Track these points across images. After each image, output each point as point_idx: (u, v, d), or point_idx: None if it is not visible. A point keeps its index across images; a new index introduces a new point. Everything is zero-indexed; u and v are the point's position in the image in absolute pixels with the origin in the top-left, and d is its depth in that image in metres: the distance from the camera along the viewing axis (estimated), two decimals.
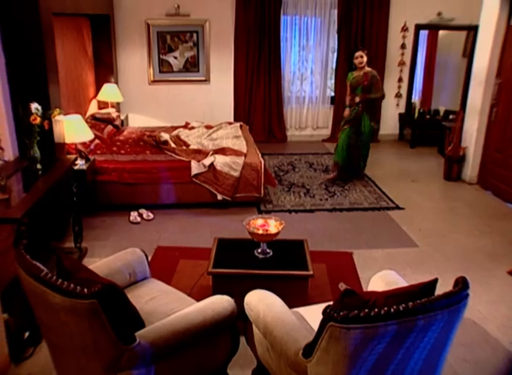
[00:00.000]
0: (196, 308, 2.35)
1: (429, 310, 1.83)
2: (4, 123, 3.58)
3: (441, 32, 8.10)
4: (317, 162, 6.93)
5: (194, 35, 7.53)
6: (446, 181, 6.22)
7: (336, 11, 7.72)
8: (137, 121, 7.58)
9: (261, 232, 3.14)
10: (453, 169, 6.17)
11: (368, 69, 5.84)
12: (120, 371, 2.08)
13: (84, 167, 4.51)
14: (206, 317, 2.29)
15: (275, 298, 2.41)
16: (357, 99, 5.78)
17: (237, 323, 2.50)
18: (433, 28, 7.89)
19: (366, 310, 1.78)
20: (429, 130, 7.97)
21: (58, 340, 2.18)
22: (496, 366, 2.88)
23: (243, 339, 2.66)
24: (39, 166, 3.55)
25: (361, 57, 5.76)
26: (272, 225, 3.23)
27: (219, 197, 5.02)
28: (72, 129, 4.35)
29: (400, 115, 8.25)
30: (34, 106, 3.34)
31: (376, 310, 1.79)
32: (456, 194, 5.81)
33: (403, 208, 5.25)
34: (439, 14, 7.73)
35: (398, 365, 1.92)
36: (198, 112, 7.69)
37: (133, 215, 4.87)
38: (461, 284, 1.95)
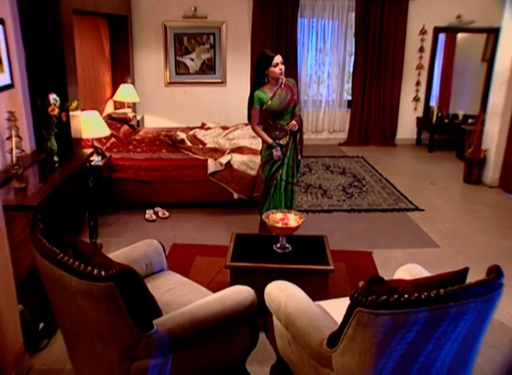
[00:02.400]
0: (215, 298, 2.27)
1: (461, 298, 1.74)
2: (22, 116, 3.56)
3: (459, 36, 7.99)
4: (333, 164, 6.85)
5: (211, 37, 7.53)
6: (466, 184, 6.09)
7: (353, 14, 7.66)
8: (153, 122, 7.57)
9: (280, 225, 3.07)
10: (473, 172, 6.04)
11: (284, 78, 3.94)
12: (136, 360, 2.01)
13: (100, 163, 4.49)
14: (225, 307, 2.22)
15: (296, 289, 2.34)
16: (289, 126, 3.93)
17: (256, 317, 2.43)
18: (452, 31, 7.78)
19: (395, 296, 1.70)
20: (448, 134, 7.85)
21: (73, 326, 2.12)
22: None
23: (262, 335, 2.59)
24: (56, 159, 3.52)
25: (282, 63, 3.78)
26: (292, 219, 3.15)
27: (235, 196, 4.96)
28: (89, 124, 4.33)
29: (418, 119, 8.13)
30: (53, 97, 3.32)
31: (406, 296, 1.70)
32: (476, 196, 5.68)
33: (422, 210, 5.14)
34: (459, 17, 7.63)
35: (428, 356, 1.83)
36: (214, 115, 7.66)
37: (149, 213, 4.83)
38: (495, 272, 1.86)
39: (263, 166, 4.18)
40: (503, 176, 5.87)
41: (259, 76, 3.89)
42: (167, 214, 4.86)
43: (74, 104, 3.55)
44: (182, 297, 2.53)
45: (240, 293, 2.31)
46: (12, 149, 3.00)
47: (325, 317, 2.15)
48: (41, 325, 2.86)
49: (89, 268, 1.87)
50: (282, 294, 2.28)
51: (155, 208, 4.91)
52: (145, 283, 2.07)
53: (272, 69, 3.75)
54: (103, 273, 1.85)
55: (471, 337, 1.89)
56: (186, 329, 2.09)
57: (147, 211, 4.86)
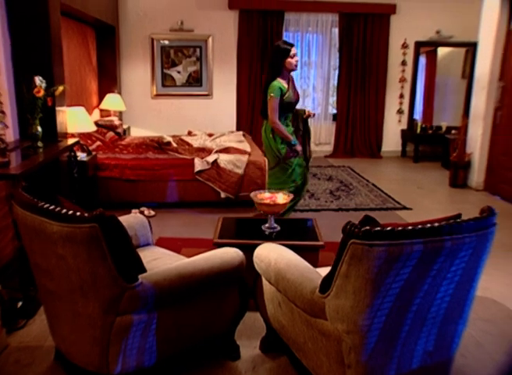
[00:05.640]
0: (203, 256, 2.21)
1: (456, 232, 1.71)
2: (6, 102, 3.51)
3: (440, 54, 8.21)
4: (320, 172, 6.85)
5: (198, 50, 7.62)
6: (452, 188, 6.12)
7: (336, 29, 7.85)
8: (139, 134, 7.53)
9: (268, 202, 3.02)
10: (458, 176, 6.09)
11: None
12: (120, 315, 1.92)
13: (86, 159, 4.42)
14: (214, 265, 2.15)
15: (285, 249, 2.28)
16: (308, 113, 4.10)
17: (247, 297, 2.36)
18: (433, 45, 8.00)
19: (390, 227, 1.66)
20: (432, 145, 7.94)
21: (53, 284, 2.02)
22: None
23: (250, 314, 2.52)
24: (40, 144, 3.45)
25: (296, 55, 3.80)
26: (280, 197, 3.11)
27: (223, 195, 4.90)
28: (74, 119, 4.30)
29: (403, 131, 8.24)
30: (39, 78, 3.28)
31: (401, 228, 1.66)
32: (463, 198, 5.70)
33: (410, 209, 5.13)
34: (438, 32, 7.85)
35: (424, 298, 1.77)
36: (201, 127, 7.63)
37: (134, 211, 4.72)
38: (488, 211, 1.83)
39: (288, 157, 3.92)
40: (487, 178, 5.92)
41: (276, 67, 3.77)
42: (153, 213, 4.77)
43: (60, 88, 3.51)
44: (169, 265, 2.44)
45: (228, 253, 2.25)
46: None
47: (316, 271, 2.08)
48: (20, 304, 2.73)
49: (71, 211, 1.81)
50: (272, 252, 2.22)
51: (141, 208, 4.82)
52: (129, 236, 1.99)
53: (289, 60, 3.74)
54: (86, 214, 1.79)
55: (466, 280, 1.84)
56: (173, 283, 2.01)
57: (133, 210, 4.76)
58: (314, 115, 4.11)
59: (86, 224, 1.77)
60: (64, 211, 1.81)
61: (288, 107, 3.86)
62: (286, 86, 3.80)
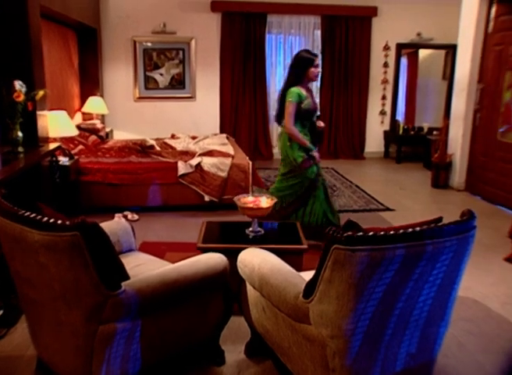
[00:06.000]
0: (187, 262, 2.20)
1: (437, 236, 1.73)
2: None
3: (421, 56, 8.32)
4: None
5: (180, 52, 7.60)
6: (434, 189, 6.19)
7: (319, 31, 7.89)
8: (122, 137, 7.48)
9: (251, 206, 3.02)
10: (440, 177, 6.16)
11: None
12: (103, 323, 1.90)
13: (68, 163, 4.37)
14: (198, 270, 2.14)
15: (269, 253, 2.28)
16: (320, 125, 3.99)
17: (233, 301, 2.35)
18: (414, 47, 8.10)
19: (372, 232, 1.67)
20: (414, 146, 8.03)
21: (35, 292, 2.00)
22: (503, 337, 2.74)
23: (235, 318, 2.51)
24: (21, 149, 3.41)
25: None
26: (264, 201, 3.11)
27: (206, 198, 4.90)
28: (56, 123, 4.25)
29: (385, 132, 8.31)
30: (18, 83, 3.24)
31: (383, 233, 1.68)
32: (445, 198, 5.77)
33: (393, 210, 5.18)
34: (419, 34, 7.95)
35: (406, 302, 1.79)
36: (184, 130, 7.60)
37: (117, 216, 4.69)
38: (468, 215, 1.86)
39: (303, 167, 3.80)
40: (468, 179, 6.01)
41: (298, 75, 3.72)
42: (136, 217, 4.74)
43: (41, 92, 3.47)
44: (152, 271, 2.43)
45: (212, 258, 2.24)
46: None
47: (300, 276, 2.09)
48: (0, 312, 2.69)
49: (52, 219, 1.79)
50: (256, 258, 2.22)
51: (124, 212, 4.79)
52: (112, 244, 1.98)
53: (312, 69, 3.71)
54: (67, 222, 1.77)
55: (447, 283, 1.87)
56: (157, 290, 2.00)
57: (116, 215, 4.72)
58: (324, 126, 4.04)
59: (67, 232, 1.75)
60: (45, 219, 1.78)
61: (306, 115, 3.78)
62: (305, 94, 3.74)
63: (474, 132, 5.89)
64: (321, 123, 3.99)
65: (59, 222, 1.76)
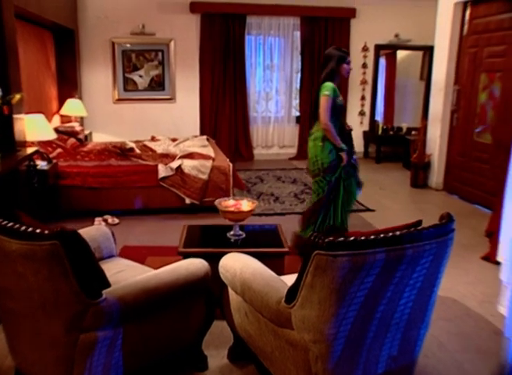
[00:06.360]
0: (168, 269, 2.19)
1: (417, 239, 1.75)
2: None
3: (399, 56, 8.41)
4: (285, 175, 6.90)
5: (159, 54, 7.55)
6: (413, 188, 6.27)
7: (298, 32, 7.92)
8: (101, 139, 7.40)
9: (232, 210, 3.02)
10: (419, 177, 6.24)
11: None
12: (84, 332, 1.88)
13: (46, 168, 4.31)
14: (179, 277, 2.13)
15: (251, 258, 2.28)
16: (349, 126, 3.93)
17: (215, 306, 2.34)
18: (392, 48, 8.19)
19: (353, 237, 1.68)
20: (393, 146, 8.12)
21: (14, 303, 1.96)
22: (480, 336, 2.79)
23: (217, 323, 2.51)
24: None
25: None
26: (245, 204, 3.11)
27: (187, 201, 4.88)
28: (33, 127, 4.18)
29: (364, 132, 8.38)
30: None
31: (363, 237, 1.69)
32: (423, 198, 5.86)
33: (373, 210, 5.23)
34: (397, 35, 8.04)
35: (387, 305, 1.81)
36: (164, 131, 7.55)
37: (98, 220, 4.65)
38: (447, 218, 1.89)
39: (324, 173, 3.69)
40: (446, 178, 6.10)
41: (331, 72, 3.61)
42: (117, 221, 4.70)
43: (17, 96, 3.40)
44: (133, 277, 2.40)
45: (193, 264, 2.23)
46: None
47: (281, 280, 2.10)
48: None
49: (30, 228, 1.76)
50: (237, 263, 2.22)
51: (105, 216, 4.74)
52: (92, 251, 1.96)
53: (344, 66, 3.65)
54: (46, 231, 1.74)
55: (427, 286, 1.89)
56: (138, 297, 1.99)
57: (96, 218, 4.68)
58: (352, 129, 3.90)
59: (46, 241, 1.72)
60: (23, 228, 1.76)
61: (339, 111, 3.69)
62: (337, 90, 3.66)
63: (451, 132, 5.99)
64: (350, 125, 3.90)
65: (38, 231, 1.74)
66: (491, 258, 3.83)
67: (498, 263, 3.59)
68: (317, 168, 3.71)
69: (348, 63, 3.70)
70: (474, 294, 3.30)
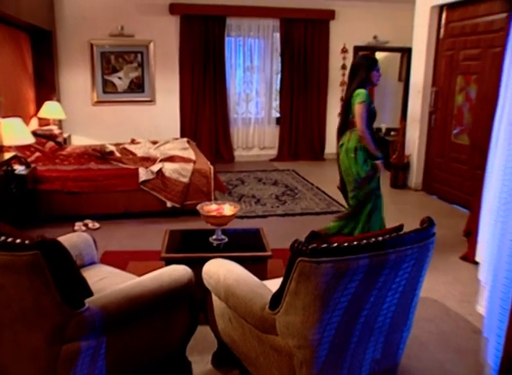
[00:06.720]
0: (151, 276, 2.17)
1: (399, 244, 1.78)
2: None
3: (377, 58, 8.46)
4: (266, 177, 6.91)
5: (139, 56, 7.49)
6: (392, 189, 6.35)
7: (278, 34, 7.94)
8: (80, 142, 7.31)
9: (214, 214, 3.01)
10: (398, 177, 6.32)
11: None
12: (67, 342, 1.86)
13: (24, 172, 4.24)
14: (162, 284, 2.12)
15: (234, 263, 2.29)
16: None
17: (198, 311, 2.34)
18: (370, 50, 8.25)
19: (336, 244, 1.70)
20: None
21: None
22: (459, 335, 2.84)
23: (201, 328, 2.49)
24: None
25: None
26: (227, 208, 3.11)
27: (169, 204, 4.85)
28: (10, 131, 4.11)
29: None
30: None
31: (346, 244, 1.71)
32: (403, 198, 5.93)
33: None
34: (375, 37, 8.13)
35: (371, 310, 1.83)
36: (144, 134, 7.50)
37: (78, 225, 4.60)
38: (427, 223, 1.92)
39: (364, 183, 3.62)
40: (425, 179, 6.19)
41: (362, 80, 3.55)
42: (97, 225, 4.65)
43: None
44: (115, 285, 2.38)
45: (176, 271, 2.22)
46: None
47: (265, 286, 2.11)
48: None
49: (10, 238, 1.73)
50: (221, 268, 2.22)
51: (85, 221, 4.68)
52: (74, 260, 1.94)
53: (374, 72, 3.60)
54: (27, 241, 1.72)
55: (409, 290, 1.92)
56: (121, 306, 1.97)
57: (77, 223, 4.62)
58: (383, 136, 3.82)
59: (27, 252, 1.70)
60: (2, 238, 1.73)
61: (373, 118, 3.63)
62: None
63: (429, 133, 6.08)
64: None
65: (18, 241, 1.71)
66: (469, 257, 3.91)
67: (476, 263, 3.67)
68: (353, 179, 3.64)
69: (378, 70, 3.62)
70: (453, 293, 3.36)
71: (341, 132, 3.72)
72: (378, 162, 3.63)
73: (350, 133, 3.62)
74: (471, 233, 3.98)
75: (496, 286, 2.26)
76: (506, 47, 3.10)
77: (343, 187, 3.91)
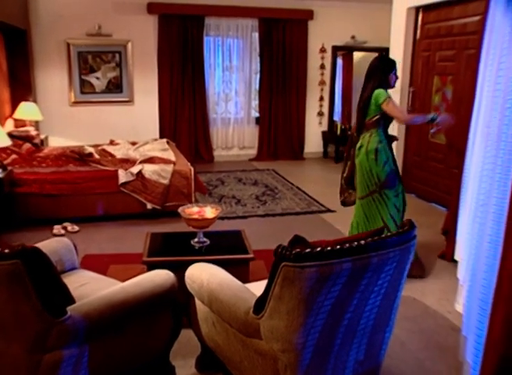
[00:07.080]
0: (133, 282, 2.16)
1: (382, 247, 1.80)
2: None
3: (355, 57, 8.57)
4: (245, 177, 6.92)
5: (117, 55, 7.40)
6: None
7: (257, 34, 7.95)
8: (58, 143, 7.19)
9: (196, 217, 3.01)
10: None
11: None
12: (48, 352, 1.84)
13: (0, 175, 4.16)
14: (145, 289, 2.11)
15: (217, 267, 2.29)
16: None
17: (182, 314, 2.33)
18: (348, 49, 8.34)
19: (319, 248, 1.71)
20: None
21: None
22: (439, 333, 2.90)
23: (184, 332, 2.49)
24: None
25: None
26: (209, 211, 3.11)
27: (149, 206, 4.82)
28: None
29: (323, 133, 8.51)
30: None
31: (330, 248, 1.72)
32: None
33: (334, 211, 5.31)
34: (353, 37, 8.20)
35: (354, 312, 1.85)
36: (123, 134, 7.40)
37: (57, 228, 4.53)
38: (408, 225, 1.95)
39: (381, 187, 3.50)
40: (403, 177, 6.21)
41: (380, 81, 3.48)
42: (76, 228, 4.59)
43: None
44: (97, 291, 2.35)
45: (159, 275, 2.21)
46: None
47: (248, 290, 2.11)
48: None
49: None
50: (204, 273, 2.22)
51: (64, 224, 4.62)
52: (55, 268, 1.92)
53: (392, 75, 3.55)
54: (7, 250, 1.69)
55: (391, 291, 1.95)
56: (104, 313, 1.96)
57: (55, 226, 4.55)
58: (397, 139, 3.79)
59: (6, 261, 1.67)
60: None
61: (390, 119, 3.55)
62: None
63: (407, 133, 6.16)
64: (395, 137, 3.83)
65: None
66: (447, 256, 3.98)
67: (454, 261, 3.75)
68: (374, 183, 3.52)
69: (395, 73, 3.57)
70: (432, 291, 3.42)
71: (358, 133, 3.64)
72: (438, 120, 3.49)
73: (369, 135, 3.55)
74: (448, 231, 4.05)
75: (474, 286, 2.31)
76: (481, 50, 3.16)
77: (348, 182, 3.89)
